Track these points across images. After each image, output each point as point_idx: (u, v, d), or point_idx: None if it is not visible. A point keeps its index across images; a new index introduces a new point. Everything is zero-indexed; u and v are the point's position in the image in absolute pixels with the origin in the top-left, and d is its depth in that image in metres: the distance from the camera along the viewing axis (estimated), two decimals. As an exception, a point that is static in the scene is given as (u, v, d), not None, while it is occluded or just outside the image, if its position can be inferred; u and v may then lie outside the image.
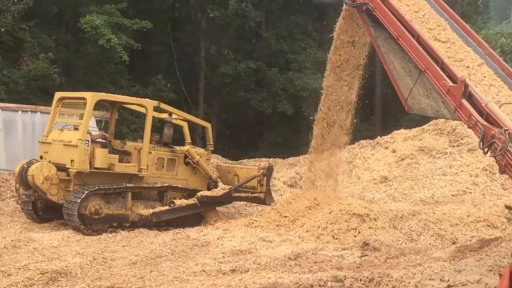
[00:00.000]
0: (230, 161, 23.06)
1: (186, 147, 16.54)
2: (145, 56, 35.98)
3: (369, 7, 11.44)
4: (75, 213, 13.50)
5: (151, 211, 14.89)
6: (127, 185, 14.69)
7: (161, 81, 36.36)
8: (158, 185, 15.39)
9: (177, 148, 16.50)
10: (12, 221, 15.15)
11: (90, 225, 13.84)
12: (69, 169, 14.05)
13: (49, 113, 19.43)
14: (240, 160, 26.77)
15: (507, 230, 14.18)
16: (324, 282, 8.65)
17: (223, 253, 11.89)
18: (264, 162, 20.04)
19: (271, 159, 28.24)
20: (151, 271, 10.12)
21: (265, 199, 16.45)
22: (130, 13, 32.64)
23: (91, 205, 13.89)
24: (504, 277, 6.84)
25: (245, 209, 18.01)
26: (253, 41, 42.63)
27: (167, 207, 15.21)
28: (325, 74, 15.25)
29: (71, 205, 13.61)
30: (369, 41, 13.38)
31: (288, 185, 21.13)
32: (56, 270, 9.85)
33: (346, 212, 13.87)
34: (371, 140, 25.93)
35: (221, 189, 16.24)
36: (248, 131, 42.68)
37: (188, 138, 17.48)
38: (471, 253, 11.18)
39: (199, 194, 15.74)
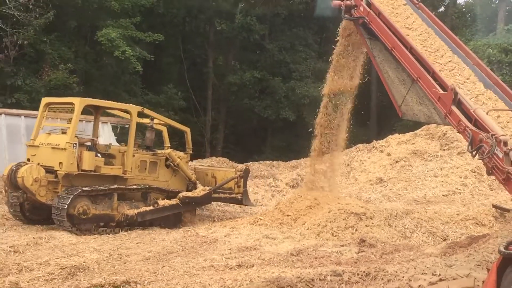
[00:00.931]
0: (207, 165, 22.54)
1: (168, 150, 16.22)
2: (157, 67, 36.08)
3: (365, 20, 11.46)
4: (64, 213, 13.18)
5: (136, 211, 14.56)
6: (116, 186, 14.42)
7: (172, 90, 36.46)
8: (142, 187, 15.10)
9: (159, 151, 16.25)
10: (35, 220, 15.14)
11: (78, 225, 13.51)
12: (58, 171, 13.73)
13: (67, 119, 19.58)
14: (245, 163, 26.75)
15: (494, 228, 14.14)
16: (324, 276, 8.64)
17: (230, 249, 11.87)
18: (241, 165, 19.82)
19: (274, 162, 28.26)
20: (163, 266, 10.11)
21: (242, 200, 16.27)
22: (144, 27, 32.75)
23: (79, 205, 13.54)
24: (492, 271, 6.82)
25: (250, 209, 18.00)
26: (257, 52, 42.66)
27: (151, 207, 14.91)
28: (326, 81, 15.27)
29: (60, 205, 13.27)
30: (366, 52, 13.38)
31: (290, 186, 21.13)
32: (75, 265, 9.84)
33: (344, 211, 13.85)
34: (367, 144, 25.94)
35: (201, 190, 15.91)
36: (253, 136, 42.69)
37: (167, 142, 17.09)
38: (461, 249, 11.15)
39: (181, 195, 15.50)
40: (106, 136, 21.89)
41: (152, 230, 14.14)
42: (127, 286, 8.74)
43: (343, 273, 8.80)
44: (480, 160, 8.11)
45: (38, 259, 10.41)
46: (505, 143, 7.55)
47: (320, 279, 8.51)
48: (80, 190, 13.54)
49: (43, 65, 27.40)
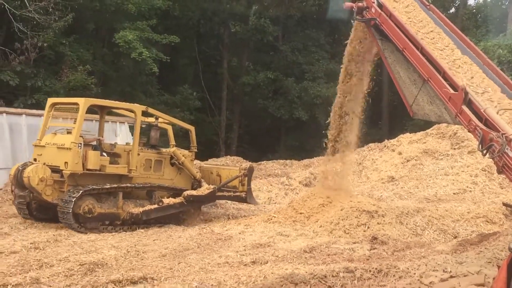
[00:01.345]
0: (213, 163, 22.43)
1: (172, 149, 16.12)
2: (173, 68, 36.13)
3: (377, 22, 11.42)
4: (70, 212, 13.12)
5: (141, 209, 14.44)
6: (121, 185, 14.35)
7: (187, 90, 36.58)
8: (148, 185, 15.01)
9: (163, 150, 16.10)
10: (54, 218, 15.23)
11: (84, 223, 13.46)
12: (63, 171, 13.62)
13: (87, 120, 19.62)
14: (259, 162, 26.75)
15: (505, 226, 14.07)
16: (337, 273, 8.63)
17: (244, 246, 11.88)
18: (245, 163, 19.69)
19: (288, 161, 28.21)
20: (179, 263, 10.14)
21: (246, 198, 16.19)
22: (160, 29, 32.85)
23: (84, 204, 13.48)
24: (502, 268, 6.79)
25: (264, 206, 18.00)
26: (271, 54, 42.68)
27: (156, 206, 14.78)
28: (337, 83, 15.24)
29: (66, 204, 13.20)
30: (377, 53, 13.34)
31: (303, 184, 21.11)
32: (93, 261, 9.89)
33: (357, 209, 13.83)
34: (379, 143, 25.86)
35: (206, 189, 15.77)
36: (267, 136, 42.71)
37: (172, 141, 17.09)
38: (472, 246, 11.10)
39: (185, 193, 15.35)
40: (123, 136, 21.95)
41: (168, 228, 14.17)
42: (144, 282, 8.78)
43: (356, 270, 8.80)
44: (491, 159, 8.06)
45: (58, 256, 10.47)
46: (515, 142, 7.51)
47: (332, 276, 8.51)
48: (85, 189, 13.46)
49: (62, 66, 27.49)
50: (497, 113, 8.32)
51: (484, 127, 8.10)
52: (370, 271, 8.79)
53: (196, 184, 16.22)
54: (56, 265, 9.79)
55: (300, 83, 39.31)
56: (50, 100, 15.38)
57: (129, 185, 14.58)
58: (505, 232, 12.03)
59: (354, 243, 12.22)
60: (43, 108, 22.61)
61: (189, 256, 10.85)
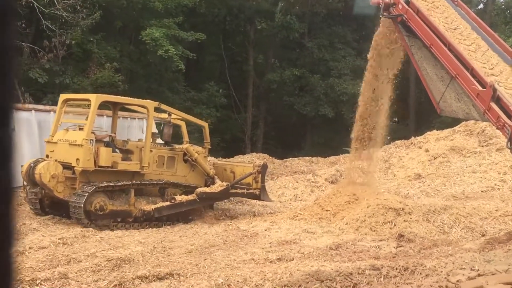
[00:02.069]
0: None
1: (185, 145, 15.92)
2: (199, 65, 36.34)
3: (404, 18, 11.35)
4: (81, 209, 13.06)
5: (153, 206, 14.35)
6: (133, 182, 14.27)
7: (213, 87, 36.68)
8: (160, 182, 14.93)
9: (176, 146, 16.04)
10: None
11: (96, 220, 13.41)
12: (75, 168, 13.56)
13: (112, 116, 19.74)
14: (285, 159, 26.73)
15: (533, 224, 13.91)
16: (363, 270, 8.59)
17: (270, 243, 11.89)
18: (259, 160, 19.56)
19: (314, 158, 28.18)
20: (205, 259, 10.18)
21: (259, 195, 16.00)
22: (186, 26, 33.01)
23: (96, 201, 13.44)
24: (531, 267, 6.72)
25: (290, 203, 17.99)
26: (297, 51, 42.64)
27: (168, 203, 14.68)
28: (363, 80, 15.17)
29: (77, 201, 13.14)
30: (404, 49, 13.25)
31: (329, 182, 21.04)
32: (120, 257, 9.96)
33: (383, 207, 13.76)
34: (406, 141, 25.70)
35: (219, 186, 15.68)
36: (293, 133, 42.68)
37: (186, 137, 16.69)
38: (500, 244, 10.98)
39: (198, 190, 15.17)
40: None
41: (194, 224, 14.25)
42: (170, 278, 8.82)
43: (382, 268, 8.75)
44: (519, 156, 7.98)
45: (86, 251, 10.58)
46: (545, 140, 7.42)
47: (358, 273, 8.47)
48: (96, 186, 13.39)
49: (89, 64, 27.79)
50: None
51: (513, 124, 8.02)
52: (396, 268, 8.73)
53: (209, 181, 16.11)
54: (83, 260, 9.89)
55: (326, 80, 39.23)
56: (62, 96, 15.42)
57: (141, 182, 14.49)
58: (534, 231, 11.89)
59: (380, 240, 12.16)
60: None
61: (215, 253, 10.89)
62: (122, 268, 9.50)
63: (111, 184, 13.77)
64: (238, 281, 8.38)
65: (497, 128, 8.65)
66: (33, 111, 19.64)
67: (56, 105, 22.08)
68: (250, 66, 40.52)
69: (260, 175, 15.98)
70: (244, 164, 17.84)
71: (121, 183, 13.97)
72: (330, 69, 39.85)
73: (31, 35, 25.94)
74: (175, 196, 14.85)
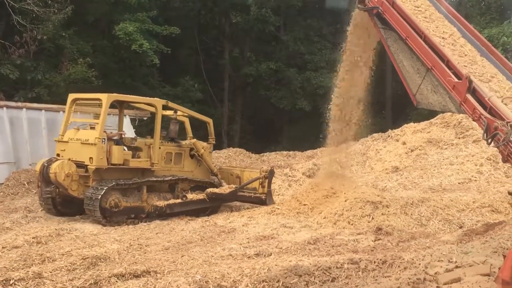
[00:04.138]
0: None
1: (193, 140, 16.50)
2: (174, 59, 36.11)
3: (379, 10, 11.37)
4: (97, 207, 13.46)
5: (165, 203, 14.92)
6: (146, 179, 14.75)
7: (189, 82, 36.57)
8: (173, 178, 15.44)
9: (183, 142, 16.47)
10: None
11: (111, 217, 13.82)
12: (88, 166, 13.93)
13: (88, 113, 19.70)
14: (262, 154, 26.75)
15: (510, 215, 14.03)
16: (341, 264, 8.64)
17: (248, 238, 11.91)
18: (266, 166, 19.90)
19: (291, 152, 28.25)
20: (182, 256, 10.16)
21: (265, 200, 16.14)
22: (160, 20, 32.86)
23: (111, 199, 13.85)
24: (508, 258, 6.79)
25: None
26: (272, 44, 42.61)
27: (180, 200, 15.29)
28: (338, 73, 15.20)
29: (93, 199, 13.53)
30: (380, 42, 13.29)
31: (306, 176, 21.06)
32: (96, 255, 9.91)
33: (361, 200, 13.84)
34: (383, 133, 25.85)
35: (228, 188, 16.18)
36: (269, 127, 42.69)
37: (189, 133, 17.43)
38: (477, 236, 11.10)
39: (208, 190, 15.81)
40: (125, 129, 21.95)
41: (171, 221, 14.21)
42: (147, 275, 8.79)
43: (360, 261, 8.80)
44: (496, 148, 8.04)
45: (60, 250, 10.51)
46: (521, 131, 7.48)
47: (337, 267, 8.51)
48: (111, 184, 13.80)
49: (62, 59, 27.49)
50: (502, 101, 8.29)
51: (489, 116, 8.07)
52: (374, 262, 8.79)
53: (217, 183, 16.60)
54: (58, 259, 9.83)
55: (302, 73, 39.31)
56: (71, 96, 15.64)
57: (154, 178, 14.96)
58: (510, 221, 12.03)
59: (359, 234, 12.22)
60: (43, 102, 22.72)
61: (192, 249, 10.87)
62: (98, 266, 9.45)
63: (125, 181, 14.25)
64: (216, 278, 8.37)
65: (473, 120, 8.69)
66: (4, 108, 19.45)
67: (28, 101, 21.98)
68: (226, 60, 40.45)
69: (266, 180, 16.29)
70: (251, 169, 18.26)
71: (137, 181, 14.51)
72: (306, 62, 39.91)
73: (1, 31, 25.63)
74: (186, 194, 15.51)
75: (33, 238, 11.51)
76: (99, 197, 13.46)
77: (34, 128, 20.08)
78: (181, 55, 38.70)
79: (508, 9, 40.80)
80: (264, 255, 10.22)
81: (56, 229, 12.44)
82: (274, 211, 14.76)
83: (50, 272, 8.96)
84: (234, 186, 16.33)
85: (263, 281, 7.98)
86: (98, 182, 13.93)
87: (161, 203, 14.83)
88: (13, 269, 9.01)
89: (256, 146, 33.74)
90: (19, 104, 20.65)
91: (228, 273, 8.63)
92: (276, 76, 40.26)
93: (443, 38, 10.26)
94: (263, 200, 16.19)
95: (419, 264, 8.69)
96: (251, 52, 42.46)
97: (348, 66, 14.85)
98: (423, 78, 10.41)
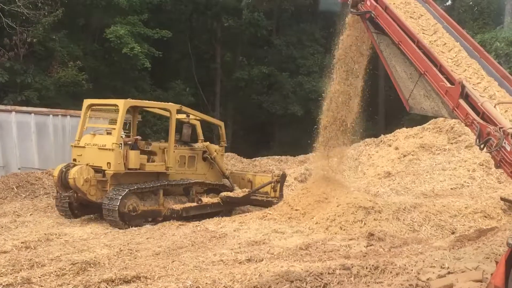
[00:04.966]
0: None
1: (206, 143, 17.03)
2: (166, 63, 36.06)
3: (372, 15, 11.40)
4: (116, 212, 13.81)
5: (181, 206, 15.34)
6: (164, 183, 15.21)
7: (180, 86, 36.51)
8: (190, 182, 15.94)
9: (196, 145, 16.92)
10: (46, 216, 15.24)
11: (129, 221, 14.19)
12: (106, 171, 14.34)
13: (78, 116, 19.68)
14: (254, 158, 26.77)
15: (503, 221, 14.07)
16: (333, 270, 8.64)
17: (239, 244, 11.90)
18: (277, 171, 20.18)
19: (283, 157, 28.25)
20: (173, 261, 10.15)
21: (277, 204, 16.28)
22: (152, 24, 32.79)
23: (129, 203, 14.23)
24: (500, 264, 6.81)
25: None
26: (265, 48, 42.64)
27: (195, 204, 15.69)
28: (331, 78, 15.21)
29: (112, 204, 13.91)
30: (372, 46, 13.32)
31: (298, 181, 21.09)
32: (85, 260, 9.89)
33: (353, 205, 13.84)
34: (375, 138, 25.87)
35: (241, 192, 16.61)
36: (261, 131, 42.70)
37: (201, 136, 17.95)
38: (469, 242, 11.12)
39: (222, 194, 16.24)
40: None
41: (162, 226, 14.19)
42: (137, 281, 8.78)
43: (352, 267, 8.80)
44: (488, 153, 8.06)
45: (50, 255, 10.48)
46: (513, 136, 7.50)
47: (329, 273, 8.52)
48: (130, 189, 14.23)
49: (52, 62, 27.44)
50: (494, 106, 8.32)
51: (481, 121, 8.10)
52: (366, 268, 8.79)
53: (230, 188, 17.01)
54: (47, 264, 9.80)
55: (294, 77, 39.36)
56: (87, 102, 15.94)
57: (172, 182, 15.43)
58: (503, 227, 12.05)
59: (351, 239, 12.22)
60: (33, 105, 22.69)
61: (183, 255, 10.85)
62: (87, 271, 9.43)
63: (147, 185, 14.82)
64: (206, 283, 8.36)
65: (466, 125, 8.71)
66: (-7, 111, 19.40)
67: (17, 104, 21.94)
68: (218, 64, 40.43)
69: (278, 184, 16.60)
70: (262, 174, 18.79)
71: (156, 184, 15.07)
72: (299, 67, 39.96)
73: (-9, 33, 25.56)
74: (201, 198, 16.00)
75: (22, 243, 11.49)
76: (118, 202, 13.80)
77: (23, 131, 20.03)
78: (173, 58, 38.66)
79: (501, 15, 40.96)
80: (256, 261, 10.22)
81: (45, 234, 12.42)
82: (266, 216, 14.76)
83: (39, 277, 8.94)
84: (247, 190, 16.74)
85: (254, 287, 7.98)
86: (116, 186, 14.29)
87: (178, 207, 15.28)
88: (1, 275, 8.99)
89: (248, 150, 33.69)
90: (8, 107, 20.61)
91: (219, 278, 8.62)
92: (268, 80, 40.31)
93: (435, 43, 10.29)
94: (275, 203, 16.31)
95: (411, 270, 8.70)
96: (243, 56, 42.49)
97: (340, 71, 14.86)
98: (416, 83, 10.44)
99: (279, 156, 29.18)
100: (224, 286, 8.28)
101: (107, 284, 8.55)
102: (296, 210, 14.70)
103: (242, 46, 42.01)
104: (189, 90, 37.51)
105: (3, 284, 8.37)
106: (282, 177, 16.72)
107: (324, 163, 16.23)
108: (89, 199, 14.41)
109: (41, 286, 8.52)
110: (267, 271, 9.01)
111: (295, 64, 40.24)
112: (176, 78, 37.08)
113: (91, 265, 9.77)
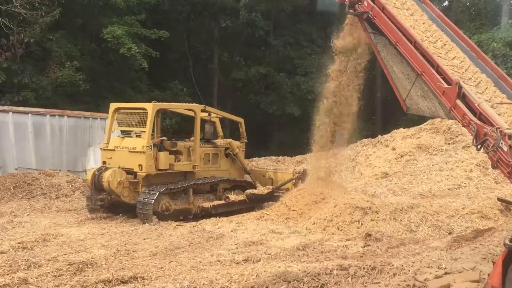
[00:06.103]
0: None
1: (229, 140, 17.62)
2: (163, 63, 36.02)
3: (369, 15, 11.40)
4: (151, 211, 14.31)
5: (210, 204, 15.80)
6: (193, 182, 15.70)
7: (177, 86, 36.46)
8: (218, 180, 16.45)
9: (218, 142, 17.40)
10: (43, 217, 15.23)
11: (163, 220, 14.54)
12: (138, 173, 14.82)
13: (75, 116, 19.74)
14: (251, 159, 26.76)
15: (500, 221, 14.09)
16: (330, 270, 8.64)
17: (236, 244, 11.90)
18: (299, 167, 20.41)
19: (280, 157, 28.26)
20: (170, 262, 10.15)
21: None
22: (149, 24, 32.76)
23: (162, 203, 14.71)
24: (497, 264, 6.82)
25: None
26: (262, 48, 42.61)
27: (223, 202, 16.24)
28: (328, 79, 15.23)
29: (146, 204, 14.41)
30: (370, 47, 13.32)
31: (296, 181, 21.07)
32: (82, 261, 9.88)
33: (350, 206, 13.85)
34: (373, 139, 25.91)
35: (265, 189, 17.01)
36: (259, 132, 42.56)
37: (220, 132, 18.54)
38: (466, 242, 11.14)
39: (248, 191, 16.62)
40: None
41: (159, 226, 14.18)
42: (134, 281, 8.77)
43: (349, 267, 8.81)
44: (485, 154, 8.07)
45: (47, 255, 10.47)
46: (510, 137, 7.50)
47: (326, 273, 8.52)
48: (162, 190, 14.72)
49: (49, 62, 27.40)
50: (491, 107, 8.33)
51: (478, 122, 8.10)
52: (364, 268, 8.80)
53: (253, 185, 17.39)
54: (44, 265, 9.79)
55: (292, 78, 39.33)
56: (113, 105, 16.33)
57: (199, 181, 16.02)
58: (500, 228, 12.07)
59: (348, 240, 12.24)
60: (30, 105, 22.65)
61: (180, 255, 10.85)
62: (84, 272, 9.42)
63: (174, 186, 15.22)
64: (204, 284, 8.36)
65: (463, 126, 8.71)
66: (-10, 112, 19.38)
67: (14, 105, 21.91)
68: (215, 64, 40.41)
69: (299, 181, 17.05)
70: (283, 170, 19.29)
71: (188, 184, 15.58)
72: (296, 67, 39.94)
73: (-12, 33, 25.51)
74: (229, 196, 16.52)
75: (19, 243, 11.47)
76: (152, 202, 14.40)
77: (20, 132, 20.01)
78: (170, 59, 38.60)
79: (498, 15, 41.02)
80: (253, 261, 10.22)
81: (42, 235, 12.40)
82: (263, 216, 14.78)
83: (36, 278, 8.93)
84: (270, 187, 17.18)
85: (251, 287, 7.98)
86: (148, 187, 14.87)
87: (207, 205, 15.74)
88: (-2, 275, 8.97)
89: (245, 151, 33.68)
90: (5, 107, 20.58)
91: (216, 279, 8.62)
92: (265, 80, 40.25)
93: (433, 43, 10.30)
94: None
95: (409, 270, 8.71)
96: (240, 56, 42.49)
97: (338, 72, 14.87)
98: (413, 83, 10.45)
99: (277, 157, 29.21)
100: (221, 287, 8.28)
101: (104, 285, 8.54)
102: (293, 210, 14.71)
103: (240, 47, 41.99)
104: (187, 91, 37.48)
105: (0, 284, 8.35)
106: (303, 174, 17.14)
107: (321, 164, 16.24)
108: (122, 200, 14.94)
109: (38, 286, 8.52)
110: (264, 271, 9.01)
111: (293, 64, 40.23)
112: (173, 79, 37.04)
113: (88, 265, 9.76)
